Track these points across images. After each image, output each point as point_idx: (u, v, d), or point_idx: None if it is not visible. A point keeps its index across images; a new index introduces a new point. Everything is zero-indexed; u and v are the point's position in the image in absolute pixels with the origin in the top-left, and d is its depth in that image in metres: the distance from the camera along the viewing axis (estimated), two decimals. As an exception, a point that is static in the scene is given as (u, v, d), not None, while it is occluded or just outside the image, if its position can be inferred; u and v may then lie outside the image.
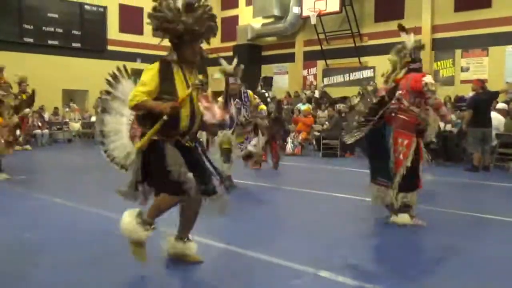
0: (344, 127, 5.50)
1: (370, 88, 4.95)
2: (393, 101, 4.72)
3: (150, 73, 3.34)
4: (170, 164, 3.28)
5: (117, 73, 3.90)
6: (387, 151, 4.82)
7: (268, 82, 18.47)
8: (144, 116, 3.37)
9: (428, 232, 4.81)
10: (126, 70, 3.95)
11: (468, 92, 12.50)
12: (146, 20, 3.46)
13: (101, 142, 3.84)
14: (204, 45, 3.51)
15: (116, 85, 3.87)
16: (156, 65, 3.37)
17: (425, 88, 4.71)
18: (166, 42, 3.44)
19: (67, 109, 18.21)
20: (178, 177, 3.26)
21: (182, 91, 3.34)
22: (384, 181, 4.87)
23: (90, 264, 3.67)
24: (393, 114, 4.82)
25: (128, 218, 3.42)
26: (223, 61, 6.85)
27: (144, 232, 3.38)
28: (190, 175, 3.33)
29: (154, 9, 3.34)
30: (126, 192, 3.54)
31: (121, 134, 3.82)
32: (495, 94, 10.56)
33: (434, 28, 16.15)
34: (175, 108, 3.25)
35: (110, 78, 3.89)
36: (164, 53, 3.48)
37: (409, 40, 4.96)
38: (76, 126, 17.82)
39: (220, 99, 6.85)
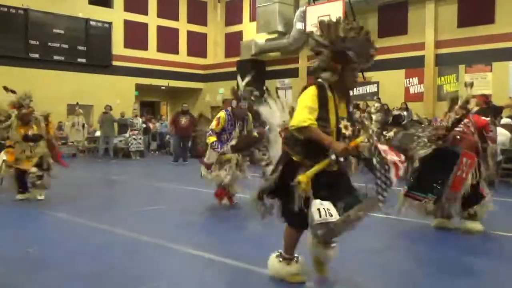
0: (402, 140, 5.60)
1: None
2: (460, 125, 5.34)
3: (311, 98, 3.19)
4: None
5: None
6: (446, 168, 5.08)
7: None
8: (298, 141, 3.24)
9: (435, 247, 4.78)
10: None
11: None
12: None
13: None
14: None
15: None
16: (313, 90, 3.22)
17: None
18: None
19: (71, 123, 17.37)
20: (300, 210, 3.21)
21: (333, 119, 3.25)
22: (421, 195, 5.14)
23: (91, 280, 3.63)
24: (458, 137, 5.29)
25: (271, 261, 3.54)
26: (239, 78, 6.62)
27: (289, 267, 3.45)
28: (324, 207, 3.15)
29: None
30: (251, 202, 3.51)
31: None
32: (499, 109, 10.54)
33: (438, 44, 16.21)
34: (346, 151, 3.12)
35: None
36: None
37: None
38: (78, 137, 16.60)
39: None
